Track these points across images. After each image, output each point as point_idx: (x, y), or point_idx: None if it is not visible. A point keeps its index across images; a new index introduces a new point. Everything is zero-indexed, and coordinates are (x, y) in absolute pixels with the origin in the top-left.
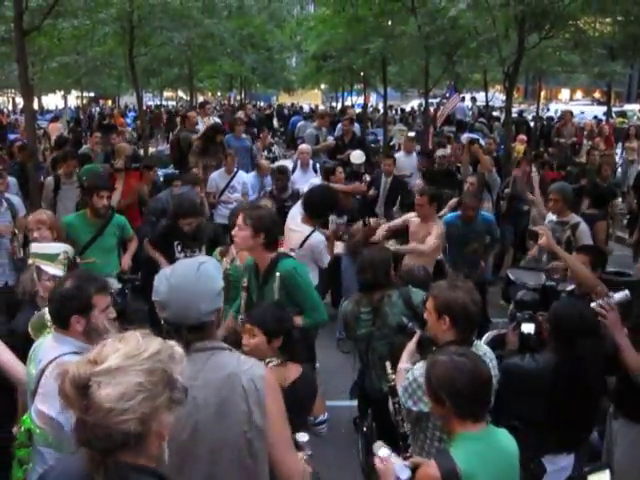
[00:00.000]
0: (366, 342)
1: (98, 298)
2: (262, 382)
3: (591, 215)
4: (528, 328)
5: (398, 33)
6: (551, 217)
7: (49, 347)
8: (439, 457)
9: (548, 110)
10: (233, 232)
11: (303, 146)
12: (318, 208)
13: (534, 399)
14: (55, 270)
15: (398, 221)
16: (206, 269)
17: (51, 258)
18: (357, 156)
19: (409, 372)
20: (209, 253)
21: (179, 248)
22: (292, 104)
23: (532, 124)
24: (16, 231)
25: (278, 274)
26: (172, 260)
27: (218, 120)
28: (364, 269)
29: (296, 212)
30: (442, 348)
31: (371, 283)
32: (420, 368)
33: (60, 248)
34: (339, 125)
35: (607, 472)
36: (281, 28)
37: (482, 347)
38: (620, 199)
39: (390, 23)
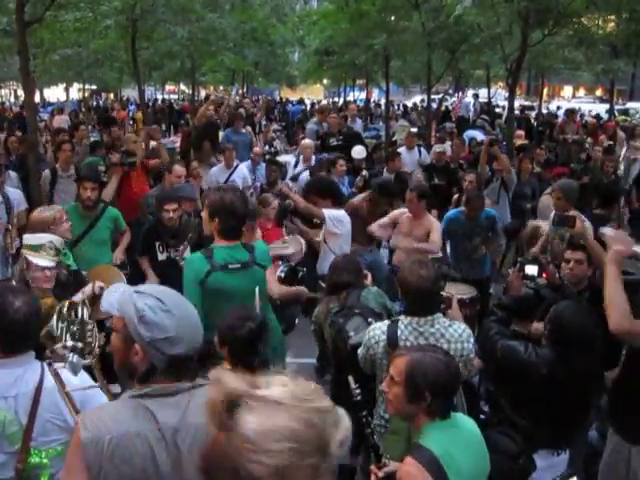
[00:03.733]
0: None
1: None
2: None
3: (600, 216)
4: (532, 270)
5: (401, 29)
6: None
7: (11, 379)
8: (413, 452)
9: (554, 109)
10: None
11: (306, 141)
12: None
13: (528, 391)
14: (43, 261)
15: (386, 220)
16: (174, 291)
17: (35, 248)
18: (358, 151)
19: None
20: (194, 251)
21: (161, 249)
22: (288, 100)
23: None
24: (9, 226)
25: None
26: (155, 262)
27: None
28: (333, 272)
29: None
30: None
31: (340, 284)
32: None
33: (45, 238)
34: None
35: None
36: (284, 23)
37: (453, 325)
38: (623, 197)
39: (393, 18)
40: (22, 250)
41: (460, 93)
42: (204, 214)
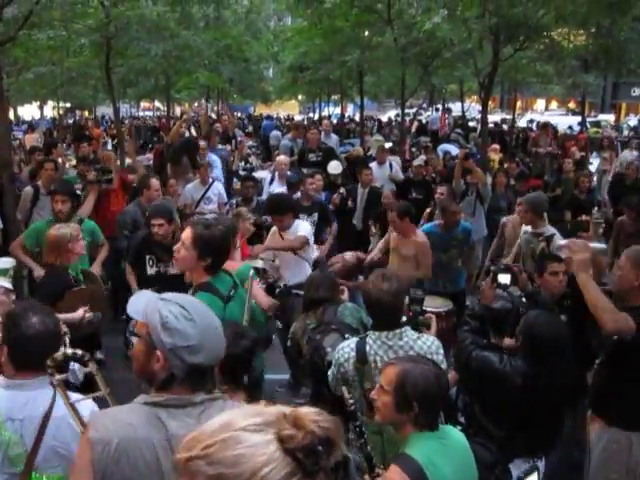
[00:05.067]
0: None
1: None
2: None
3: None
4: (504, 279)
5: (374, 44)
6: (526, 228)
7: (21, 402)
8: (398, 461)
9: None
10: (175, 248)
11: (281, 157)
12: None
13: (503, 401)
14: (7, 284)
15: (376, 253)
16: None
17: (2, 273)
18: (334, 166)
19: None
20: None
21: (151, 262)
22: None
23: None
24: None
25: None
26: (143, 276)
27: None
28: (309, 288)
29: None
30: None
31: (317, 300)
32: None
33: (10, 263)
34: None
35: (535, 474)
36: (258, 39)
37: (421, 338)
38: (596, 208)
39: (367, 34)
40: None
41: (443, 111)
42: (190, 251)
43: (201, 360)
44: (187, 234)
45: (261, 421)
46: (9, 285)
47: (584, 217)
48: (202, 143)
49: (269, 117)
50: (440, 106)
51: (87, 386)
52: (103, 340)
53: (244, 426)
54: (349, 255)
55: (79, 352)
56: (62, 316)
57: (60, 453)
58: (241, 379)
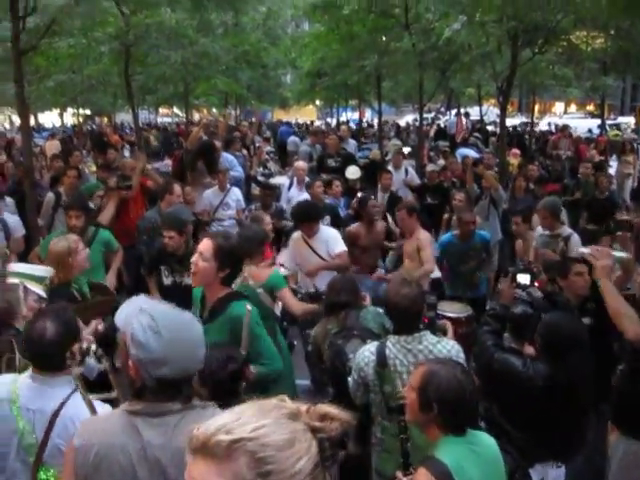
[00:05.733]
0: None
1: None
2: None
3: (592, 231)
4: (523, 279)
5: (392, 49)
6: (541, 231)
7: (38, 393)
8: (426, 463)
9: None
10: (193, 260)
11: (299, 163)
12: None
13: (525, 404)
14: (42, 292)
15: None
16: (184, 312)
17: (39, 280)
18: (352, 172)
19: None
20: None
21: (166, 273)
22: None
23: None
24: (7, 252)
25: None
26: (161, 286)
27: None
28: (330, 292)
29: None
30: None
31: (338, 304)
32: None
33: (47, 271)
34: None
35: None
36: (276, 46)
37: (441, 342)
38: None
39: (384, 39)
40: (18, 279)
41: (458, 115)
42: (210, 262)
43: (166, 373)
44: (206, 246)
45: (287, 412)
46: (43, 293)
47: (625, 216)
48: (217, 143)
49: (287, 123)
50: (459, 110)
51: (103, 385)
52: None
53: (280, 414)
54: None
55: (93, 347)
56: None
57: (63, 451)
58: (229, 403)
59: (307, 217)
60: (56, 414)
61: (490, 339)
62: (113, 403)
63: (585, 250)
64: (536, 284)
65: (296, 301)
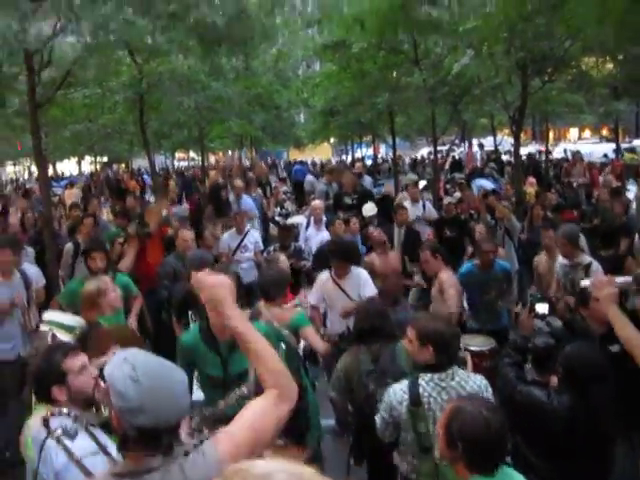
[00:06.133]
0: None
1: (69, 362)
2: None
3: (606, 257)
4: (542, 308)
5: (403, 85)
6: (562, 261)
7: (37, 427)
8: None
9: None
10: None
11: (316, 202)
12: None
13: (549, 435)
14: (67, 339)
15: None
16: (165, 360)
17: (69, 330)
18: (369, 209)
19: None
20: None
21: (193, 318)
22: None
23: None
24: (25, 303)
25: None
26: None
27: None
28: (358, 317)
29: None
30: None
31: (367, 330)
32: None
33: (78, 322)
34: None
35: None
36: (287, 87)
37: (470, 377)
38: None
39: (395, 75)
40: (47, 327)
41: (467, 146)
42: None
43: (144, 422)
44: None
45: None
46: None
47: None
48: (238, 182)
49: (300, 162)
50: (470, 142)
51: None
52: None
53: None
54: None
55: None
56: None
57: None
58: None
59: (346, 256)
60: (42, 446)
61: (512, 371)
62: None
63: (587, 282)
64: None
65: (320, 339)
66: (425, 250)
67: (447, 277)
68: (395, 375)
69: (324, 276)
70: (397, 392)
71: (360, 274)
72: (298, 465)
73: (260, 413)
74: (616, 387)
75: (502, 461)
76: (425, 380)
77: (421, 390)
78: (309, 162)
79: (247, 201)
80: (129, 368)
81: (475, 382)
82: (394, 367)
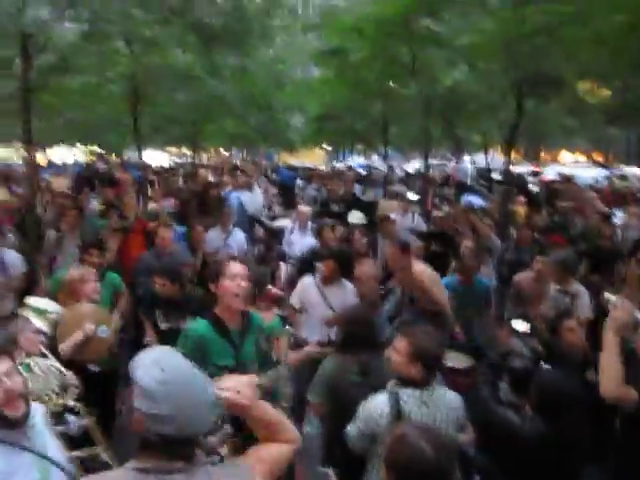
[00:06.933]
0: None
1: None
2: None
3: (596, 283)
4: (519, 325)
5: (398, 95)
6: (555, 285)
7: None
8: None
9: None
10: (240, 285)
11: (302, 207)
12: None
13: (521, 460)
14: (41, 324)
15: None
16: (197, 370)
17: (41, 313)
18: (356, 217)
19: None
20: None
21: (161, 318)
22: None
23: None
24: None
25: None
26: (156, 329)
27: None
28: (347, 322)
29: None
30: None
31: (356, 336)
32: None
33: (53, 307)
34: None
35: None
36: (283, 90)
37: (447, 393)
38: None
39: (391, 84)
40: (23, 311)
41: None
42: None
43: (171, 431)
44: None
45: None
46: (44, 326)
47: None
48: (226, 178)
49: (289, 166)
50: (460, 157)
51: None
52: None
53: None
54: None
55: (70, 403)
56: (68, 341)
57: None
58: None
59: (342, 264)
60: None
61: (486, 390)
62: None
63: (612, 297)
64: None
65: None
66: (395, 246)
67: (422, 270)
68: (381, 387)
69: (308, 280)
70: (378, 404)
71: (346, 284)
72: None
73: (277, 454)
74: (589, 415)
75: None
76: (407, 394)
77: (402, 403)
78: (299, 166)
79: (233, 200)
80: (158, 372)
81: (450, 397)
82: (383, 380)
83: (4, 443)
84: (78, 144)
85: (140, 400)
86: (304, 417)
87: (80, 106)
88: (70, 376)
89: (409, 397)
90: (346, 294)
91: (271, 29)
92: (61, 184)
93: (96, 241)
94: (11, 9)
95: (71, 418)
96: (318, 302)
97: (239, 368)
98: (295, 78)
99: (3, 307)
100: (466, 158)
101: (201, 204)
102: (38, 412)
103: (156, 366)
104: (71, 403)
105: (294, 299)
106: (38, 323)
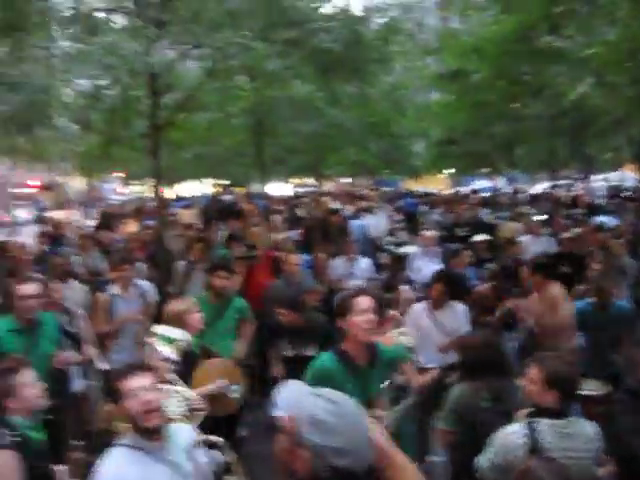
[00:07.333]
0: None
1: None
2: None
3: None
4: None
5: (523, 116)
6: None
7: None
8: None
9: None
10: (369, 320)
11: (427, 232)
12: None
13: None
14: (169, 353)
15: None
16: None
17: (170, 341)
18: (480, 237)
19: None
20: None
21: (286, 346)
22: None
23: None
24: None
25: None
26: (281, 357)
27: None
28: (469, 348)
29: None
30: None
31: (482, 362)
32: None
33: (183, 335)
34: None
35: None
36: (404, 115)
37: (586, 424)
38: None
39: (514, 105)
40: (152, 339)
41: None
42: None
43: (347, 463)
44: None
45: None
46: (171, 354)
47: None
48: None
49: (411, 192)
50: (589, 177)
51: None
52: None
53: None
54: None
55: (212, 438)
56: (197, 391)
57: None
58: None
59: (452, 286)
60: None
61: (627, 421)
62: None
63: None
64: None
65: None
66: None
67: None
68: (513, 414)
69: (419, 307)
70: (512, 435)
71: (456, 307)
72: None
73: None
74: None
75: None
76: (543, 424)
77: (542, 435)
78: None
79: (356, 227)
80: (329, 404)
81: (589, 429)
82: (515, 406)
83: (141, 451)
84: (204, 178)
85: (314, 433)
86: (428, 445)
87: (205, 141)
88: (196, 400)
89: (546, 428)
90: (457, 316)
91: (389, 55)
92: (189, 217)
93: (224, 262)
94: (139, 50)
95: (214, 453)
96: (430, 327)
97: (365, 405)
98: (415, 103)
99: (142, 334)
100: (595, 177)
101: (324, 232)
102: (185, 433)
103: (322, 399)
104: (213, 439)
105: (407, 326)
106: (166, 351)
